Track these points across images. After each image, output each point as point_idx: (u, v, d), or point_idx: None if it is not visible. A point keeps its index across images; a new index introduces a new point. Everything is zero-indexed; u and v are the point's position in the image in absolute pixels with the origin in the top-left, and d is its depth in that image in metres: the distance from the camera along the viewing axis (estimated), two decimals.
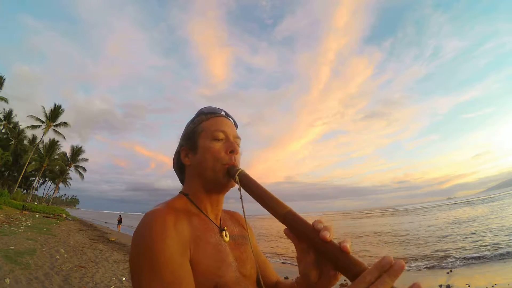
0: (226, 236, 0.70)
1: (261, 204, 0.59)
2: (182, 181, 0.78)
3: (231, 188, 0.72)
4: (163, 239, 0.55)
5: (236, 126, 0.79)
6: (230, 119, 0.78)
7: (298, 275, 0.57)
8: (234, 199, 0.73)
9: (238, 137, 0.75)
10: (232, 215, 0.83)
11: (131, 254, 0.56)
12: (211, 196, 0.72)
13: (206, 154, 0.69)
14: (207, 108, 0.77)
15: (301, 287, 0.56)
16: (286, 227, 0.53)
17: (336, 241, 0.47)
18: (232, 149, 0.70)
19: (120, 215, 24.53)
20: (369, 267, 0.44)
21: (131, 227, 30.66)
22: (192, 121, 0.77)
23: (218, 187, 0.70)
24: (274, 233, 22.88)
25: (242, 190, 0.65)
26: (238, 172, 0.66)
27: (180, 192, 0.74)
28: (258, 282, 0.70)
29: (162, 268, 0.53)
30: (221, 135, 0.71)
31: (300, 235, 0.51)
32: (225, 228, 0.72)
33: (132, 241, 0.57)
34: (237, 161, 0.70)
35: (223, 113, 0.77)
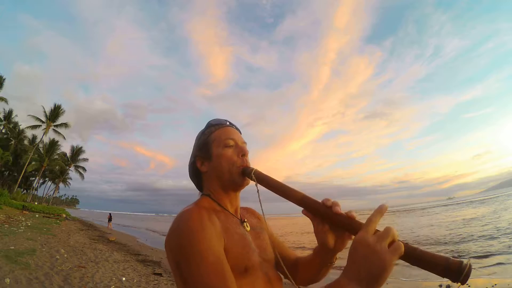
0: (247, 226, 0.82)
1: (278, 194, 0.72)
2: (199, 187, 0.88)
3: (247, 187, 0.83)
4: (203, 229, 0.65)
5: (240, 132, 0.90)
6: (235, 127, 0.90)
7: (315, 247, 0.73)
8: (245, 199, 0.88)
9: (244, 142, 0.87)
10: (247, 210, 0.94)
11: (174, 247, 0.65)
12: (229, 194, 0.83)
13: (221, 160, 0.80)
14: (214, 120, 0.89)
15: (320, 254, 0.73)
16: (303, 208, 0.67)
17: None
18: (243, 153, 0.82)
19: (110, 214, 26.45)
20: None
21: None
22: (203, 133, 0.87)
23: (235, 186, 0.82)
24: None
25: (259, 186, 0.77)
26: (253, 171, 0.78)
27: (202, 194, 0.84)
28: (277, 264, 0.81)
29: (206, 251, 0.62)
30: (231, 142, 0.82)
31: (315, 213, 0.66)
32: (245, 220, 0.84)
33: (171, 236, 0.66)
34: (248, 162, 0.82)
35: (228, 123, 0.89)
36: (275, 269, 0.81)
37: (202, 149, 0.84)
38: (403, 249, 0.50)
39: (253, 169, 0.78)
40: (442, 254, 0.51)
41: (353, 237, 0.59)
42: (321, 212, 0.64)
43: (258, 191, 0.78)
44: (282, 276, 0.81)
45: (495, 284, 5.66)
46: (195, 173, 0.87)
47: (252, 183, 0.79)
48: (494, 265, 7.54)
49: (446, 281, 6.24)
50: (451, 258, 0.50)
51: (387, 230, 0.52)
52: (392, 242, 0.51)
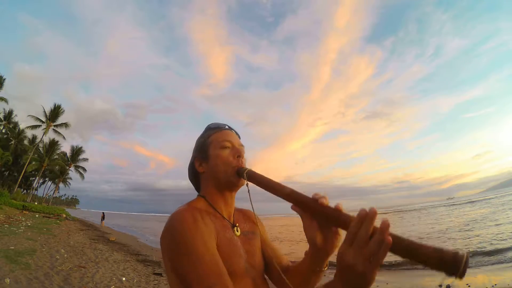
0: (237, 231, 0.83)
1: (269, 191, 0.72)
2: (197, 188, 0.91)
3: (242, 188, 0.84)
4: (196, 228, 0.68)
5: (239, 136, 0.93)
6: (233, 131, 0.93)
7: (307, 251, 0.71)
8: (243, 199, 0.87)
9: (242, 145, 0.89)
10: (244, 213, 0.94)
11: (168, 247, 0.67)
12: (224, 195, 0.85)
13: (217, 160, 0.83)
14: (213, 124, 0.93)
15: (310, 256, 0.70)
16: (292, 204, 0.65)
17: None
18: (238, 154, 0.84)
19: (103, 213, 28.34)
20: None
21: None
22: (202, 136, 0.91)
23: (229, 186, 0.83)
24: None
25: (251, 185, 0.78)
26: (246, 170, 0.79)
27: (198, 195, 0.87)
28: (267, 269, 0.85)
29: (201, 249, 0.65)
30: (228, 144, 0.85)
31: (304, 208, 0.64)
32: (237, 224, 0.85)
33: (165, 236, 0.69)
34: (243, 163, 0.84)
35: (227, 127, 0.92)
36: (263, 275, 0.82)
37: (200, 151, 0.88)
38: (381, 259, 0.47)
39: (246, 169, 0.80)
40: (435, 245, 0.45)
41: (340, 231, 0.62)
42: (309, 206, 0.63)
43: (248, 191, 0.80)
44: (269, 282, 0.83)
45: (495, 284, 5.66)
46: (194, 174, 0.90)
47: (246, 184, 0.81)
48: (493, 264, 7.54)
49: (446, 281, 6.24)
50: (445, 248, 0.43)
51: (362, 236, 0.48)
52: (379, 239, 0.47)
